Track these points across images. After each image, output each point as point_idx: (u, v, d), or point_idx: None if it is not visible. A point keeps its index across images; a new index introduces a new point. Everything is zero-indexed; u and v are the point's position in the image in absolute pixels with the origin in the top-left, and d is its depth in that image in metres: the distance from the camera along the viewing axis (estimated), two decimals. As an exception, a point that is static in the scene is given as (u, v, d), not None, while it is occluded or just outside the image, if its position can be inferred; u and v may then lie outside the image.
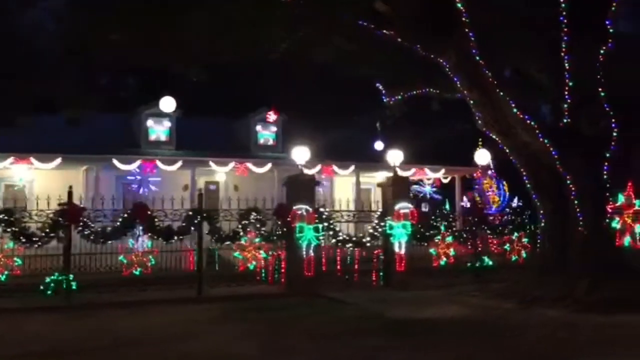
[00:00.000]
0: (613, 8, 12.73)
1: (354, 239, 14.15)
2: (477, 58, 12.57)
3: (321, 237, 13.70)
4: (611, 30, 12.84)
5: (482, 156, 17.19)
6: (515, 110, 12.93)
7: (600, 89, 13.04)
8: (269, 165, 23.83)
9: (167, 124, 25.87)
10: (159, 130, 25.65)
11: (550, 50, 13.19)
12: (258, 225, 13.25)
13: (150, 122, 25.42)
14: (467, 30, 12.18)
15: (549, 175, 13.44)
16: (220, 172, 24.99)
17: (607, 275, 12.18)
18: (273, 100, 23.12)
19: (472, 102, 13.39)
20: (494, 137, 13.72)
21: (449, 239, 15.14)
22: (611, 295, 11.43)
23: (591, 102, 12.99)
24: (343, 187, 25.79)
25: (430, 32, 12.07)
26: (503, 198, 38.30)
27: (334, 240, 13.89)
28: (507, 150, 13.90)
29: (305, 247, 13.36)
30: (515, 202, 41.21)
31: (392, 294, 13.61)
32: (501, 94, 12.84)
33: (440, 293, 13.50)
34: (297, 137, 24.89)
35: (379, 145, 20.85)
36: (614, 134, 13.03)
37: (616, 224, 12.90)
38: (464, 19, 12.00)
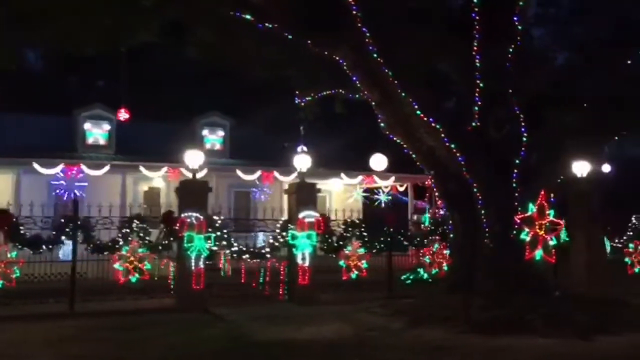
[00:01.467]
0: (521, 3, 11.83)
1: (252, 250, 13.16)
2: (376, 55, 11.63)
3: (215, 247, 12.73)
4: (519, 28, 11.96)
5: (378, 162, 16.06)
6: (418, 112, 12.01)
7: (510, 91, 12.15)
8: (205, 171, 22.88)
9: (106, 127, 24.97)
10: (97, 133, 24.70)
11: (463, 49, 12.30)
12: (142, 234, 12.26)
13: (87, 125, 24.46)
14: (359, 24, 11.24)
15: (456, 183, 12.51)
16: (158, 178, 24.02)
17: (509, 292, 11.26)
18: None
19: (373, 103, 12.47)
20: (398, 140, 12.79)
21: (361, 251, 14.14)
22: (507, 313, 10.48)
23: (500, 105, 12.10)
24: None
25: (317, 26, 11.13)
26: None
27: (227, 251, 12.90)
28: (414, 155, 12.96)
29: (194, 258, 12.37)
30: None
31: (289, 309, 12.62)
32: (403, 94, 11.91)
33: (341, 309, 12.51)
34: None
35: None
36: (524, 139, 12.13)
37: (526, 236, 11.92)
38: (354, 12, 11.05)
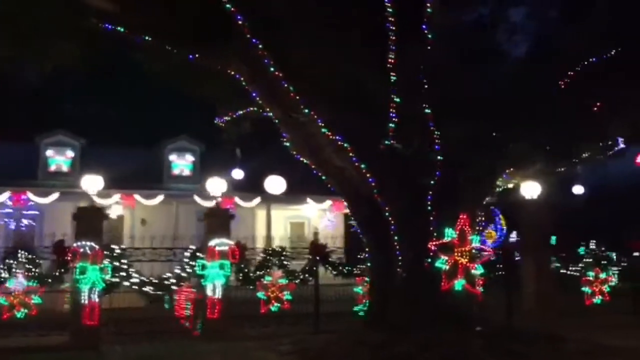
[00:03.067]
0: (429, 10, 10.83)
1: (155, 281, 12.17)
2: (273, 69, 10.68)
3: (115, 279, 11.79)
4: (430, 36, 10.94)
5: (274, 184, 14.80)
6: (324, 129, 11.00)
7: (425, 105, 11.10)
8: (161, 197, 22.13)
9: (70, 153, 24.45)
10: (60, 160, 24.18)
11: (377, 62, 11.30)
12: (29, 266, 11.40)
13: (50, 152, 23.97)
14: (248, 35, 10.33)
15: (369, 207, 11.40)
16: (116, 206, 23.28)
17: (421, 326, 10.10)
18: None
19: (276, 120, 11.51)
20: (305, 161, 11.77)
21: (283, 281, 13.05)
22: (405, 351, 9.32)
23: (413, 120, 11.04)
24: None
25: (202, 38, 10.24)
26: (500, 232, 36.10)
27: (126, 283, 11.93)
28: (323, 178, 11.92)
29: (87, 291, 11.44)
30: (514, 237, 39.12)
31: (191, 346, 11.55)
32: (306, 110, 10.92)
33: (247, 345, 11.46)
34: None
35: (237, 174, 18.88)
36: (439, 158, 11.01)
37: (442, 264, 10.73)
38: (239, 22, 10.14)
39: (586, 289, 14.29)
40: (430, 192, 10.93)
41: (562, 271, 14.40)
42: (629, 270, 14.76)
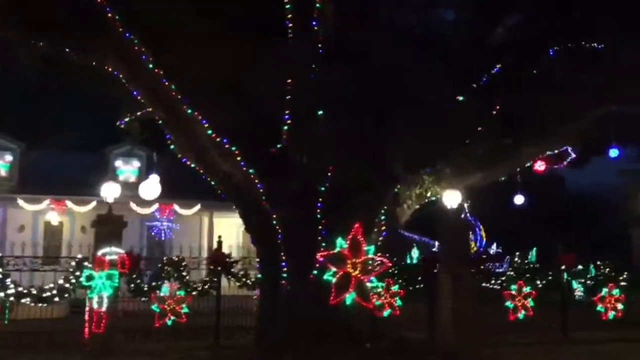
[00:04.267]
0: (318, 5, 10.18)
1: (34, 292, 11.37)
2: (152, 66, 9.98)
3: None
4: (321, 32, 10.30)
5: (148, 189, 13.89)
6: (210, 131, 10.30)
7: (317, 107, 10.42)
8: (93, 204, 21.34)
9: (8, 157, 23.68)
10: (-5, 164, 23.41)
11: (272, 60, 10.62)
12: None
13: (-12, 155, 23.21)
14: (121, 29, 9.62)
15: (259, 215, 10.69)
16: (52, 212, 22.44)
17: (307, 343, 9.39)
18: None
19: (160, 122, 10.80)
20: (192, 165, 11.05)
21: (181, 293, 12.28)
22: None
23: (305, 124, 10.36)
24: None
25: (71, 31, 9.53)
26: (480, 243, 35.39)
27: (1, 294, 11.13)
28: (212, 183, 11.21)
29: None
30: (494, 248, 38.30)
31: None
32: (189, 110, 10.22)
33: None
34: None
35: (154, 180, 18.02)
36: (332, 161, 10.33)
37: (331, 277, 10.01)
38: (109, 14, 9.44)
39: (509, 304, 13.58)
40: (321, 200, 10.25)
41: (483, 284, 13.71)
42: (555, 283, 14.07)
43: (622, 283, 14.63)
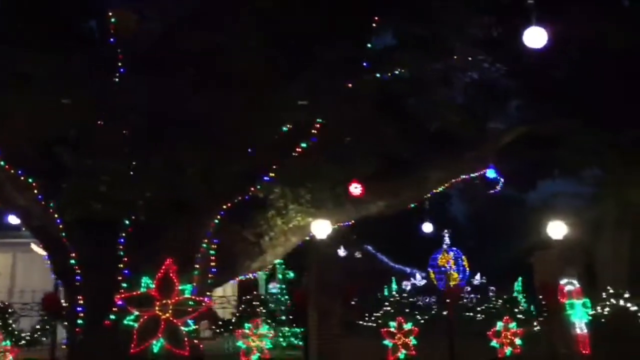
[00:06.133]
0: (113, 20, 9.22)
1: None
2: None
3: None
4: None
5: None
6: (2, 162, 9.22)
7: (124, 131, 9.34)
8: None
9: None
10: None
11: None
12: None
13: None
14: None
15: (63, 253, 9.52)
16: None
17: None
18: None
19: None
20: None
21: (6, 343, 11.02)
22: None
23: (110, 150, 9.27)
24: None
25: None
26: (463, 274, 34.18)
27: None
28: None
29: None
30: (477, 279, 37.00)
31: None
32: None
33: None
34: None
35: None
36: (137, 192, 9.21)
37: (132, 321, 8.81)
38: None
39: (388, 343, 12.32)
40: (124, 234, 9.13)
41: (357, 322, 12.49)
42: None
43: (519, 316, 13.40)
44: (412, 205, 17.49)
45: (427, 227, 17.18)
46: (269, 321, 12.34)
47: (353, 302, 12.41)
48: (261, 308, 12.43)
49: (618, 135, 18.07)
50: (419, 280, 35.94)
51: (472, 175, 17.46)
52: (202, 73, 8.86)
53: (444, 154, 15.72)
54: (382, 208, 15.68)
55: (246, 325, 12.26)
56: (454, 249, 34.44)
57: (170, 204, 9.21)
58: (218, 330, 12.00)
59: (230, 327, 12.18)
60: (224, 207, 9.82)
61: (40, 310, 11.61)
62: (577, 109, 18.36)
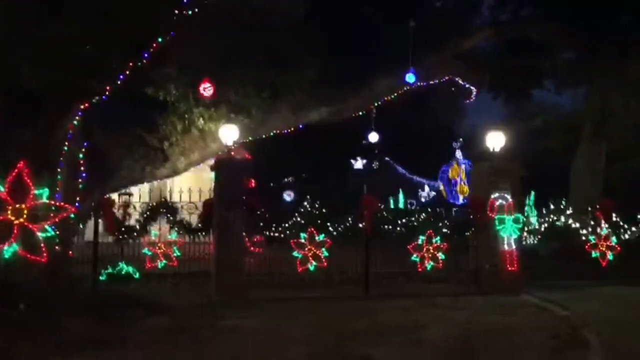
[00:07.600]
0: None
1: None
2: None
3: None
4: None
5: None
6: None
7: None
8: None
9: None
10: None
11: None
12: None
13: None
14: None
15: None
16: None
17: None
18: None
19: None
20: None
21: None
22: None
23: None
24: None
25: None
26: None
27: None
28: None
29: None
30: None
31: None
32: None
33: None
34: None
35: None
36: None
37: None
38: None
39: (297, 254, 11.91)
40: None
41: (269, 234, 12.03)
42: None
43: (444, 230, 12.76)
44: (360, 114, 16.74)
45: (373, 137, 16.35)
46: (177, 229, 12.12)
47: (259, 213, 11.95)
48: (169, 215, 12.19)
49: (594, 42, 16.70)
50: (427, 192, 35.09)
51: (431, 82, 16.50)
52: None
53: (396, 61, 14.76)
54: (325, 114, 14.99)
55: (153, 232, 12.12)
56: (466, 160, 33.14)
57: (24, 103, 8.71)
58: (121, 237, 11.85)
59: (135, 233, 12.03)
60: (82, 107, 9.23)
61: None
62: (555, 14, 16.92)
